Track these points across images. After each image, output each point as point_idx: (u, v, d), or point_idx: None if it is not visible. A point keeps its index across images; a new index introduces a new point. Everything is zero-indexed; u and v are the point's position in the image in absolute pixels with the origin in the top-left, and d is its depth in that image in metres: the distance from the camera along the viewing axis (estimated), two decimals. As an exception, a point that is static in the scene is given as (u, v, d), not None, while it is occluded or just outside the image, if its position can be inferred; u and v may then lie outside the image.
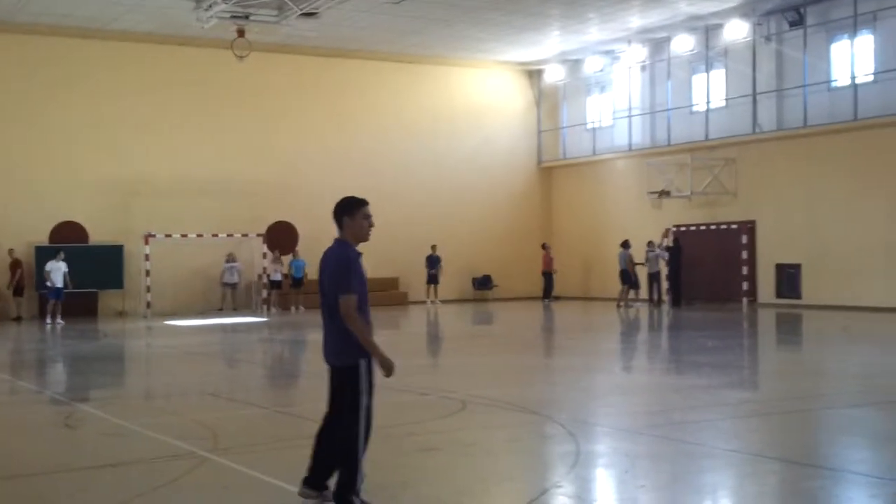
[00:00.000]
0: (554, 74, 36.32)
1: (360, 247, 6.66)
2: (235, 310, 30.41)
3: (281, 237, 31.24)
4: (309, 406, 10.95)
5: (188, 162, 30.96)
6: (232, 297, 30.88)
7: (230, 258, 30.54)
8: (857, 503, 7.08)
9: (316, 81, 33.05)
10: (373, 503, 6.62)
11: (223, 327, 25.25)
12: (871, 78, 26.89)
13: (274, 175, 31.74)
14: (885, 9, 26.17)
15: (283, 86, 32.47)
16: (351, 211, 6.60)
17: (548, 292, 34.24)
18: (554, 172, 37.34)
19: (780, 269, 29.09)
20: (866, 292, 26.42)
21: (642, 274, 30.51)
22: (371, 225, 6.68)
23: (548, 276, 34.31)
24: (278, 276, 30.73)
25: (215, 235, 30.69)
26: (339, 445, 6.58)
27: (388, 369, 6.50)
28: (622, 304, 29.80)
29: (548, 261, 34.45)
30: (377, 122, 34.10)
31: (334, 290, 6.48)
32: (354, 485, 6.51)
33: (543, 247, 34.76)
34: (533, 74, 37.06)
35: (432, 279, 33.07)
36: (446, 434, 9.64)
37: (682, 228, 31.56)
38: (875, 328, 22.10)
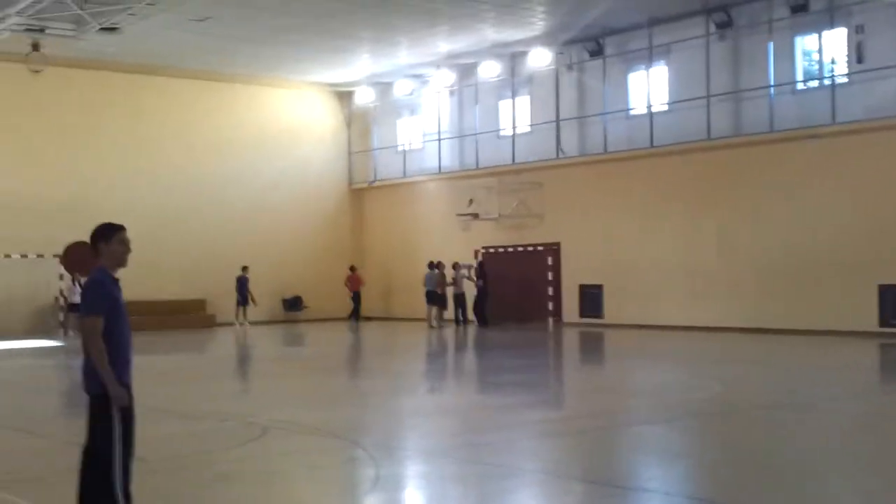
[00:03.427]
0: (364, 96, 36.40)
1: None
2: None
3: (79, 258, 29.91)
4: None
5: (-22, 180, 29.40)
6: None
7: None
8: (648, 519, 7.26)
9: (117, 98, 31.92)
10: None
11: (16, 352, 23.96)
12: (665, 107, 28.16)
13: (72, 194, 30.29)
14: (679, 41, 27.47)
15: (81, 102, 31.22)
16: (106, 237, 6.57)
17: (355, 313, 34.35)
18: (365, 194, 37.35)
19: (583, 289, 29.99)
20: (663, 311, 27.54)
21: (449, 295, 30.89)
22: (128, 250, 6.63)
23: (356, 296, 34.47)
24: (76, 299, 29.41)
25: (7, 256, 29.22)
26: (98, 477, 6.39)
27: (118, 399, 6.34)
28: (434, 325, 30.02)
29: (355, 281, 34.55)
30: (182, 141, 33.23)
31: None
32: None
33: (352, 269, 34.82)
34: (343, 96, 37.02)
35: (242, 301, 32.41)
36: (244, 462, 9.38)
37: (491, 250, 32.13)
38: (670, 346, 23.02)
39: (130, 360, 6.58)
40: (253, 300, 32.35)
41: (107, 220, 6.71)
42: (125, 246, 6.59)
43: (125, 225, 6.70)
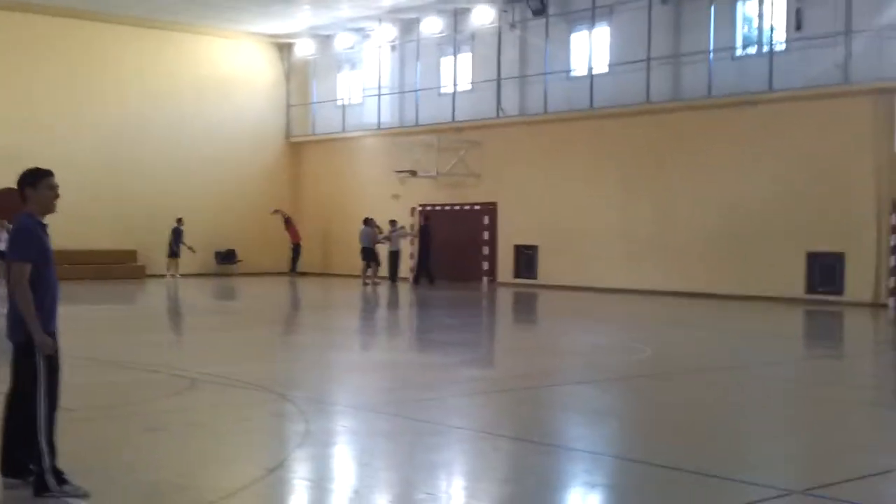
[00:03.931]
0: (304, 49, 35.93)
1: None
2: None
3: (7, 205, 29.22)
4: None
5: None
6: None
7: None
8: (574, 477, 7.33)
9: (52, 43, 31.12)
10: (73, 481, 6.30)
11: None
12: (606, 69, 28.21)
13: (3, 140, 29.54)
14: (622, 2, 27.48)
15: (15, 46, 30.37)
16: (33, 182, 6.45)
17: (294, 265, 34.13)
18: (303, 148, 37.01)
19: (518, 249, 30.11)
20: (597, 273, 27.75)
21: (383, 252, 30.71)
22: (56, 196, 6.52)
23: (296, 248, 34.20)
24: (3, 246, 28.79)
25: (-67, 201, 28.44)
26: (24, 425, 6.32)
27: (44, 347, 6.27)
28: (368, 281, 29.91)
29: (294, 233, 34.24)
30: (118, 89, 32.53)
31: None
32: (42, 464, 6.25)
33: (287, 220, 34.34)
34: (283, 48, 36.52)
35: (174, 252, 31.98)
36: (173, 413, 9.28)
37: (428, 208, 32.06)
38: (603, 309, 23.26)
39: (56, 307, 6.50)
40: (189, 248, 31.83)
41: (35, 166, 6.59)
42: (53, 191, 6.48)
43: (55, 171, 6.57)
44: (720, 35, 25.76)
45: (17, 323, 6.30)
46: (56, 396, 6.44)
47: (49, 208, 6.47)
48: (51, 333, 6.36)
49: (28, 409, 6.29)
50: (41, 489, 6.24)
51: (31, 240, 6.30)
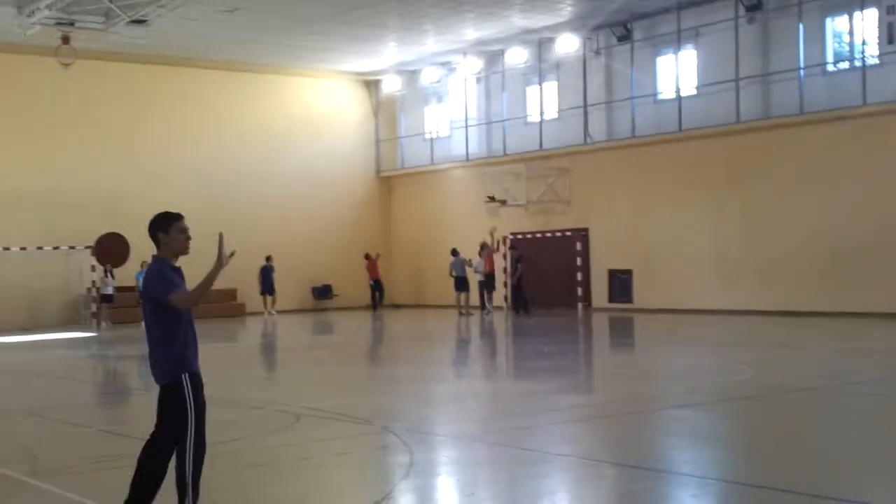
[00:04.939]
0: (391, 85, 36.42)
1: (191, 260, 6.49)
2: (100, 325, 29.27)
3: (111, 249, 30.08)
4: (137, 425, 10.54)
5: (9, 173, 29.63)
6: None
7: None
8: (682, 502, 7.26)
9: (147, 90, 32.19)
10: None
11: (49, 343, 24.22)
12: (694, 91, 28.00)
13: (103, 185, 30.67)
14: (707, 24, 27.29)
15: (112, 94, 31.49)
16: (165, 227, 6.47)
17: (374, 301, 34.22)
18: (393, 181, 37.45)
19: (613, 274, 29.92)
20: (692, 296, 27.44)
21: (473, 281, 30.56)
22: (188, 238, 6.54)
23: (376, 284, 34.35)
24: (109, 290, 29.69)
25: (40, 248, 29.49)
26: (158, 470, 6.39)
27: (221, 259, 6.46)
28: (463, 311, 29.91)
29: (374, 269, 34.38)
30: (212, 132, 33.43)
31: (155, 305, 6.33)
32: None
33: (367, 256, 34.59)
34: (371, 85, 37.08)
35: (268, 290, 32.50)
36: (278, 448, 9.45)
37: (519, 236, 32.06)
38: (700, 331, 22.95)
39: (198, 348, 6.54)
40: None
41: (165, 210, 6.60)
42: (184, 234, 6.51)
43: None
44: (810, 51, 25.38)
45: (161, 365, 6.34)
46: (205, 438, 6.47)
47: (181, 251, 6.51)
48: (195, 374, 6.42)
49: (179, 449, 6.31)
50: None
51: (168, 278, 6.32)
